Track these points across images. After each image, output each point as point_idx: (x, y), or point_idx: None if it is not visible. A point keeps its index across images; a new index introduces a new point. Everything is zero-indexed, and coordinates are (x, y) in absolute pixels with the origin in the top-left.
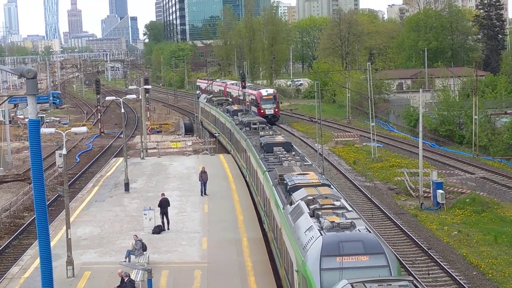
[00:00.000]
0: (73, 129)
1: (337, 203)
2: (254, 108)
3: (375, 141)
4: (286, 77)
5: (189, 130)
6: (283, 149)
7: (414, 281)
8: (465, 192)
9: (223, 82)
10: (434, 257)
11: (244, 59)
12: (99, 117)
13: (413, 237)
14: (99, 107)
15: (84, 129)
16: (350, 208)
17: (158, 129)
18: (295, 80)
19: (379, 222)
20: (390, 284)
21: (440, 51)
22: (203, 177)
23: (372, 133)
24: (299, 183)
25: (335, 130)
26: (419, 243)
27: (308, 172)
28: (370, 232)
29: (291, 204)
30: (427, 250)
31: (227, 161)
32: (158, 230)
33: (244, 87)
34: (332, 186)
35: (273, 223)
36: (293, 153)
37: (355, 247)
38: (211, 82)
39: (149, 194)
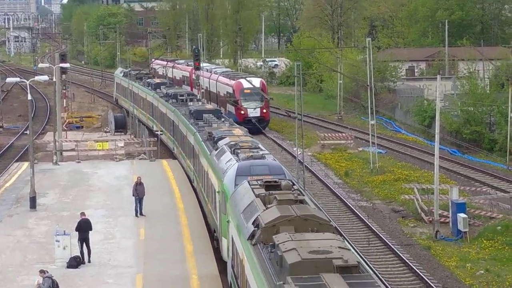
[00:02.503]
0: None
1: (254, 145)
2: (230, 108)
3: (376, 145)
4: (256, 56)
5: (121, 126)
6: (213, 116)
7: (292, 180)
8: (496, 217)
9: (188, 65)
10: None
11: (199, 30)
12: None
13: (425, 277)
14: None
15: None
16: (263, 149)
17: (78, 123)
18: (268, 59)
19: (378, 256)
20: (272, 179)
21: (466, 24)
22: (139, 191)
23: (372, 135)
24: (225, 135)
25: (321, 129)
26: (433, 285)
27: (234, 129)
28: (275, 161)
29: (216, 149)
30: None
31: (173, 169)
32: (75, 262)
33: (198, 68)
34: (253, 138)
35: (202, 173)
36: (223, 119)
37: (262, 170)
38: (165, 62)
39: (63, 213)
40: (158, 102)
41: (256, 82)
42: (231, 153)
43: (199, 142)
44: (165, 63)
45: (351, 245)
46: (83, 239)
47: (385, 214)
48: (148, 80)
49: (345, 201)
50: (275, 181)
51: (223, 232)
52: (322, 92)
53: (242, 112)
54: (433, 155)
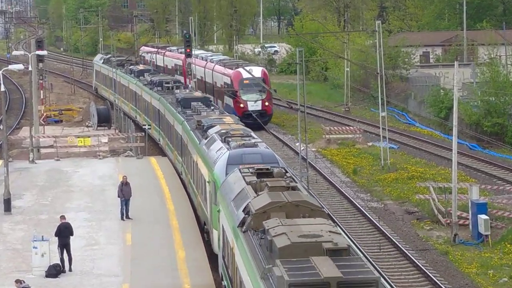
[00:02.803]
0: None
1: (246, 133)
2: (228, 100)
3: (387, 139)
4: (254, 41)
5: (104, 120)
6: (202, 104)
7: (286, 168)
8: None
9: (181, 53)
10: None
11: (190, 13)
12: None
13: (442, 285)
14: None
15: None
16: (256, 137)
17: (57, 117)
18: (267, 45)
19: (390, 262)
20: (264, 167)
21: (486, 5)
22: (125, 192)
23: (383, 128)
24: (215, 123)
25: (326, 122)
26: None
27: (225, 117)
28: (268, 149)
29: (206, 138)
30: None
31: (162, 167)
32: (54, 271)
33: (189, 55)
34: (245, 127)
35: (191, 164)
36: (212, 107)
37: (255, 158)
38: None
39: (41, 216)
40: (141, 90)
41: (257, 71)
42: (221, 142)
43: (188, 131)
44: (155, 50)
45: (344, 232)
46: (63, 245)
47: (398, 216)
48: (131, 67)
49: (354, 201)
50: (267, 169)
51: (213, 224)
52: (327, 81)
53: (242, 105)
54: (451, 150)
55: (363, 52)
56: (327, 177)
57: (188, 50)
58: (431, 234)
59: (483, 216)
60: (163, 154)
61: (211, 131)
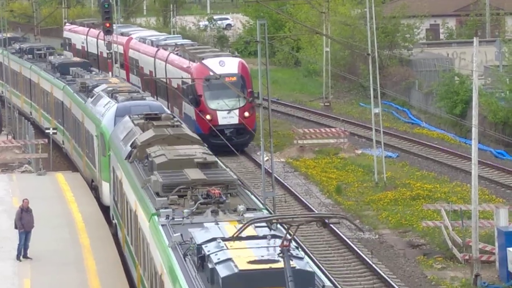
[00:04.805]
0: None
1: (134, 90)
2: (188, 109)
3: (382, 145)
4: (198, 12)
5: None
6: (82, 68)
7: (174, 115)
8: None
9: (123, 34)
10: None
11: None
12: None
13: None
14: None
15: None
16: (144, 93)
17: None
18: (216, 17)
19: None
20: (153, 112)
21: None
22: (25, 221)
23: (376, 130)
24: (101, 83)
25: (299, 122)
26: None
27: (110, 78)
28: (157, 101)
29: (92, 97)
30: None
31: (73, 187)
32: None
33: (108, 31)
34: (133, 85)
35: (74, 127)
36: (94, 72)
37: (143, 109)
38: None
39: None
40: (8, 60)
41: (232, 64)
42: (109, 97)
43: (71, 94)
44: (86, 29)
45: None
46: None
47: (398, 250)
48: None
49: (337, 231)
50: (156, 114)
51: (103, 176)
52: (300, 66)
53: (209, 115)
54: (469, 159)
55: (348, 26)
56: (301, 198)
57: (108, 25)
58: (444, 275)
59: None
60: (74, 168)
61: (97, 90)
